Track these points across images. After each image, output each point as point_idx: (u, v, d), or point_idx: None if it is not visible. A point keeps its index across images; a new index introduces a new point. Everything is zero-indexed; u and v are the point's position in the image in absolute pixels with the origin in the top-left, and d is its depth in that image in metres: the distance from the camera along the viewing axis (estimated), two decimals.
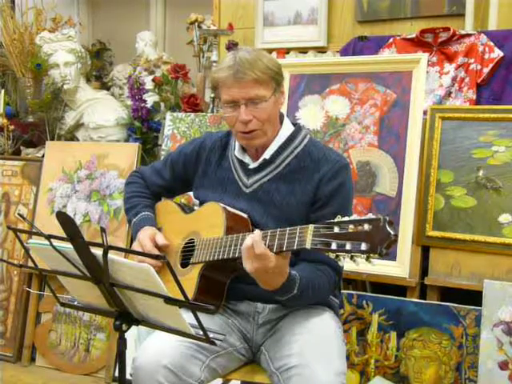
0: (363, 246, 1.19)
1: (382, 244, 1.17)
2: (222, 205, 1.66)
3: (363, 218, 1.22)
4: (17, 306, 3.12)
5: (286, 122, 1.74)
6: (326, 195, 1.62)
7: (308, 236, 1.31)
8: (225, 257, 1.56)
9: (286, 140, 1.70)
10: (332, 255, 1.25)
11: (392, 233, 1.17)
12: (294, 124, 1.76)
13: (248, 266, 1.41)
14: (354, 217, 1.24)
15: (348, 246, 1.21)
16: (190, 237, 1.74)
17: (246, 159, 1.73)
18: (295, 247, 1.35)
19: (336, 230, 1.25)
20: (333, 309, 1.74)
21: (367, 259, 1.20)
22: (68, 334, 3.02)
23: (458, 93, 2.86)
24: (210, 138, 1.84)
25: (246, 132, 1.63)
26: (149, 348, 1.55)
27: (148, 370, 1.50)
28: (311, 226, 1.31)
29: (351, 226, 1.22)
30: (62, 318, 3.04)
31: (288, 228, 1.39)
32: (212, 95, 3.16)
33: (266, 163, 1.69)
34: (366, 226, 1.20)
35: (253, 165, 1.71)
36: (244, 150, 1.74)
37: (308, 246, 1.30)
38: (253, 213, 1.67)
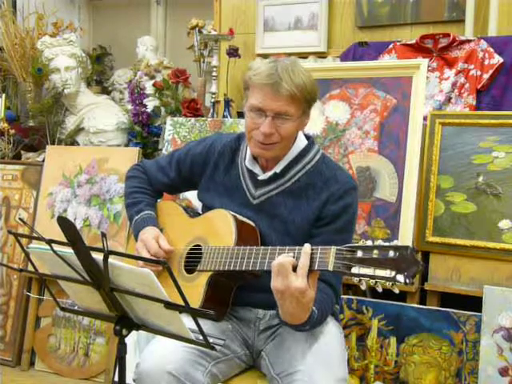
0: (388, 273, 1.18)
1: (408, 272, 1.16)
2: (232, 213, 1.64)
3: (389, 244, 1.20)
4: (16, 310, 3.12)
5: (300, 135, 1.70)
6: (331, 214, 1.60)
7: (330, 258, 1.29)
8: (237, 268, 1.53)
9: (297, 154, 1.67)
10: (355, 279, 1.24)
11: (419, 262, 1.16)
12: (308, 137, 1.72)
13: (278, 284, 1.36)
14: (380, 242, 1.22)
15: (372, 272, 1.20)
16: (195, 242, 1.71)
17: (257, 170, 1.69)
18: (316, 268, 1.33)
19: (359, 254, 1.23)
20: (333, 315, 1.74)
21: (392, 286, 1.19)
22: (67, 338, 3.02)
23: (457, 98, 2.86)
24: (220, 141, 1.79)
25: (264, 143, 1.59)
26: (152, 354, 1.54)
27: (152, 376, 1.49)
28: (334, 248, 1.29)
29: (375, 251, 1.21)
30: (61, 322, 3.04)
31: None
32: (212, 100, 3.17)
33: (276, 177, 1.67)
34: (392, 253, 1.19)
35: (262, 176, 1.68)
36: (255, 160, 1.71)
37: (331, 268, 1.28)
38: (258, 223, 1.66)
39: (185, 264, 1.72)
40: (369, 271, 1.20)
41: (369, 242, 1.24)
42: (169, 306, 1.27)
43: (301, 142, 1.69)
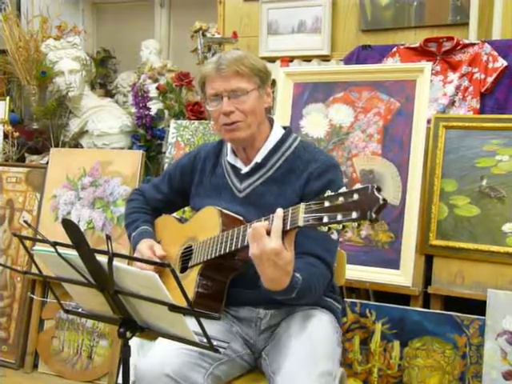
0: (354, 215, 1.20)
1: (371, 209, 1.17)
2: (217, 207, 1.68)
3: (352, 188, 1.23)
4: (20, 313, 3.12)
5: (276, 125, 1.77)
6: (313, 193, 1.62)
7: (300, 214, 1.31)
8: (221, 252, 1.56)
9: (276, 143, 1.73)
10: (324, 229, 1.25)
11: (380, 197, 1.17)
12: (285, 128, 1.79)
13: (254, 250, 1.38)
14: (343, 189, 1.25)
15: (339, 217, 1.22)
16: (187, 243, 1.76)
17: (238, 164, 1.75)
18: (288, 227, 1.35)
19: (326, 204, 1.26)
20: (333, 313, 1.74)
21: (358, 227, 1.21)
22: (71, 340, 3.02)
23: (461, 102, 2.86)
24: (204, 149, 1.88)
25: (228, 124, 1.66)
26: (151, 356, 1.55)
27: (150, 378, 1.50)
28: (302, 205, 1.32)
29: (341, 199, 1.23)
30: (64, 324, 3.04)
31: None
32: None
33: (258, 167, 1.72)
34: (355, 196, 1.21)
35: (245, 169, 1.74)
36: (236, 154, 1.77)
37: (301, 223, 1.30)
38: (248, 216, 1.67)
39: (181, 265, 1.75)
40: (336, 217, 1.22)
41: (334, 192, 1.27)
42: (173, 308, 1.27)
43: (279, 132, 1.75)
